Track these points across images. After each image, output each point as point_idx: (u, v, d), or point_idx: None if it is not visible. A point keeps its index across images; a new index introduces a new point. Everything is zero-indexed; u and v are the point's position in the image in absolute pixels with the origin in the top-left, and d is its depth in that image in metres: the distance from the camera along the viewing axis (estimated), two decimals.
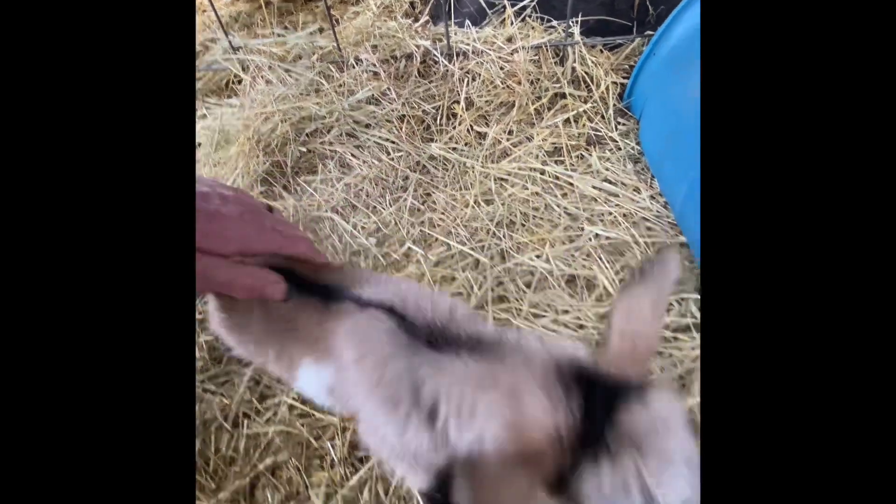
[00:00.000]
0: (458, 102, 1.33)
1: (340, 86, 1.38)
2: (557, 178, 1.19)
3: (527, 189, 1.18)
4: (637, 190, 1.11)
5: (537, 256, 1.04)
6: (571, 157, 1.22)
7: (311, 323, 0.57)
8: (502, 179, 1.21)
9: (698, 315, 0.89)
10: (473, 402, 0.46)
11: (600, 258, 0.99)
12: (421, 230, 1.15)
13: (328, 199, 1.22)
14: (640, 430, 0.39)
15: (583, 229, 1.06)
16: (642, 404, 0.40)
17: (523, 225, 1.12)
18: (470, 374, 0.46)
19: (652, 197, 1.09)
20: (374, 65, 1.39)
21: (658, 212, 1.06)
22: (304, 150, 1.32)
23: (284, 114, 1.33)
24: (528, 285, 1.00)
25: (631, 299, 0.45)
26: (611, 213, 1.07)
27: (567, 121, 1.28)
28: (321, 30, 1.60)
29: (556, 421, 0.40)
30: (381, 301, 0.55)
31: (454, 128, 1.32)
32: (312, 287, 0.58)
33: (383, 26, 1.49)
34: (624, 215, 1.07)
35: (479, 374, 0.46)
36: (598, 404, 0.40)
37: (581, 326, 0.90)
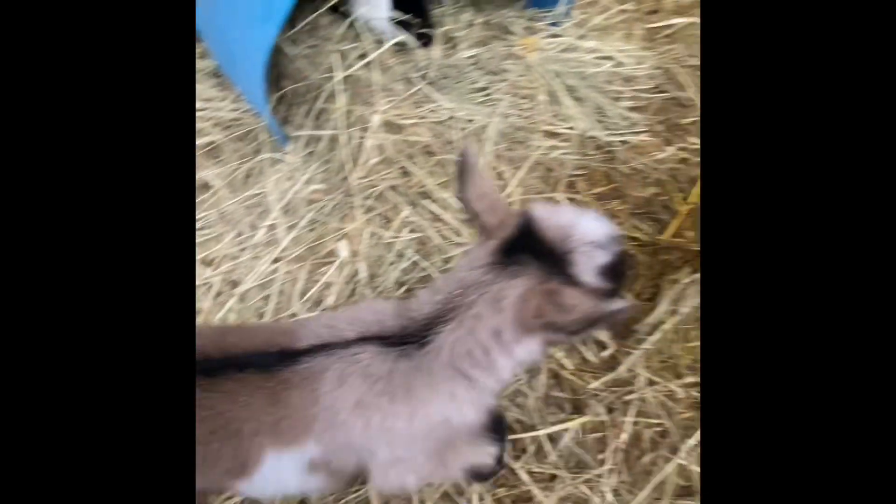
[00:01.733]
0: None
1: None
2: None
3: None
4: (224, 99, 1.43)
5: None
6: None
7: (261, 406, 0.53)
8: None
9: None
10: (487, 347, 0.56)
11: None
12: None
13: None
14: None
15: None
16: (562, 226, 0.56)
17: None
18: (475, 320, 0.56)
19: (234, 100, 1.42)
20: None
21: (243, 104, 1.41)
22: None
23: None
24: None
25: (474, 185, 0.58)
26: (216, 122, 1.39)
27: None
28: None
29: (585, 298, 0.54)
30: (344, 336, 0.56)
31: None
32: (239, 362, 0.54)
33: None
34: (230, 118, 1.39)
35: (488, 301, 0.55)
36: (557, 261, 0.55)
37: None
